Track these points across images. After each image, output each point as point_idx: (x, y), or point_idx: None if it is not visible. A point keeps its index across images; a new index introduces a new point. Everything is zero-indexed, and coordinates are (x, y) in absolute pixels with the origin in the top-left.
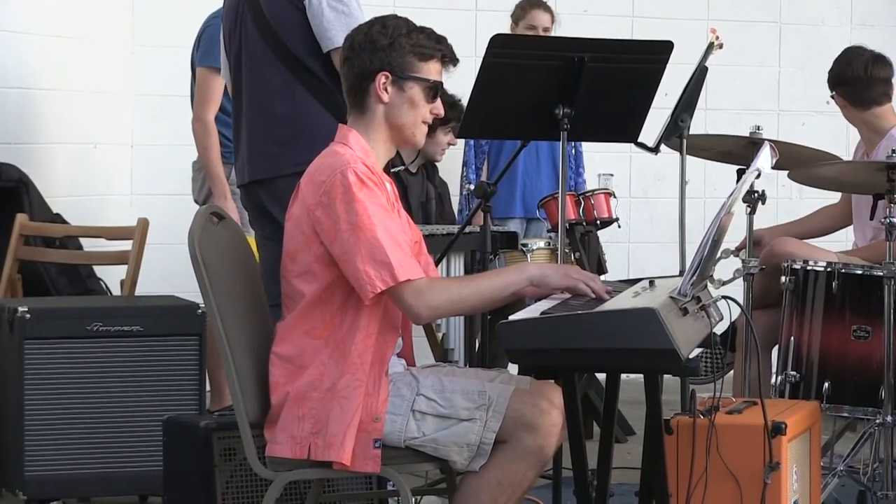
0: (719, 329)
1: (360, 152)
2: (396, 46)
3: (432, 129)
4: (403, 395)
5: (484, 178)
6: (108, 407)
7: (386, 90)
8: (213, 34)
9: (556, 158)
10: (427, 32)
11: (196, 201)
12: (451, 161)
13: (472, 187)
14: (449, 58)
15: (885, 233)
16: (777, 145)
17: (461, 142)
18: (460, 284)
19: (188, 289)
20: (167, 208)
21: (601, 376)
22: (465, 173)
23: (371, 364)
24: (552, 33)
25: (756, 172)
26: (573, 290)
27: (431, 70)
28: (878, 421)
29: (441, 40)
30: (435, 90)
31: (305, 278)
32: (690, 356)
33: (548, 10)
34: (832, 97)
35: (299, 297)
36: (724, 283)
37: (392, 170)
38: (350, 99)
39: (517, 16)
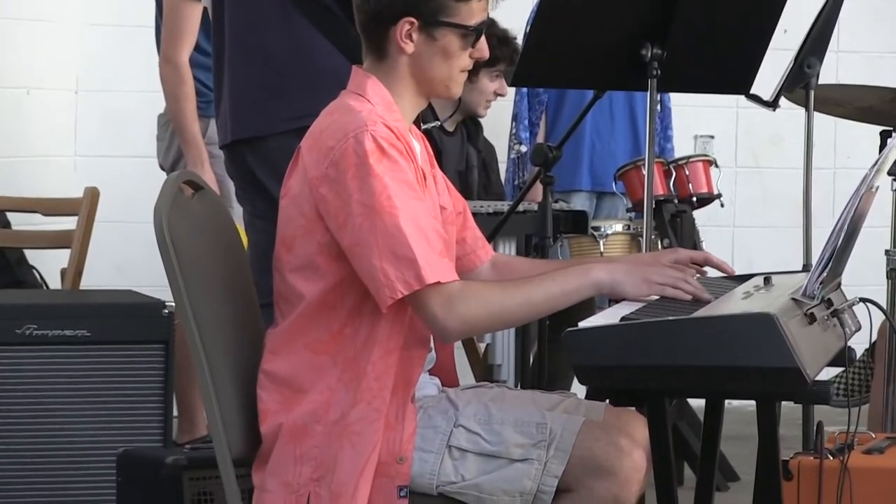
0: (856, 342)
1: (381, 108)
2: None
3: (474, 71)
4: (437, 426)
5: (541, 138)
6: (45, 435)
7: (410, 39)
8: None
9: (636, 115)
10: None
11: (162, 167)
12: (499, 116)
13: (523, 149)
14: None
15: None
16: None
17: (512, 91)
18: (504, 291)
19: (151, 282)
20: (124, 175)
21: (695, 403)
22: (514, 130)
23: (393, 389)
24: None
25: None
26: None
27: (474, 10)
28: None
29: None
30: (477, 35)
31: (305, 274)
32: (818, 377)
33: None
34: None
35: (297, 299)
36: None
37: (423, 127)
38: (365, 38)
39: None
